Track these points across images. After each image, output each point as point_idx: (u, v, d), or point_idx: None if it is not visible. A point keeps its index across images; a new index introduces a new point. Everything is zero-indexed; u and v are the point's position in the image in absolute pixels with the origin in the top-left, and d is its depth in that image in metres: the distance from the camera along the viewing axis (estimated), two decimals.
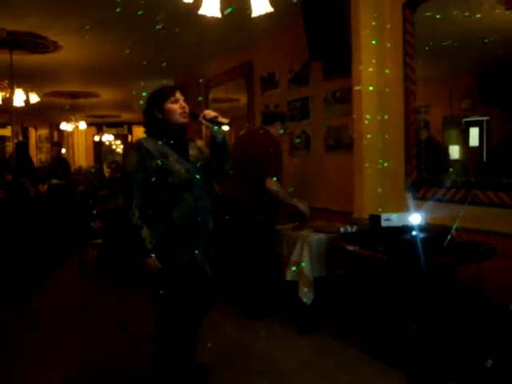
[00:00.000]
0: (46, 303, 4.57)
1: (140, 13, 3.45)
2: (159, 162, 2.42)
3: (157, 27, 3.99)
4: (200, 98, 6.93)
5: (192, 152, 2.58)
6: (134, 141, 15.43)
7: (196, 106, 6.43)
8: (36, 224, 5.60)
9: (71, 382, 2.97)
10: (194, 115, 2.52)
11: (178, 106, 2.49)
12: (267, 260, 3.98)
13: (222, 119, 2.48)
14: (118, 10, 3.28)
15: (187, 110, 2.52)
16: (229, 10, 2.54)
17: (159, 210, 2.44)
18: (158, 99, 2.51)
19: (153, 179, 2.41)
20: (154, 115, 2.51)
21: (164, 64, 5.86)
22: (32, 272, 5.16)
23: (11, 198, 5.47)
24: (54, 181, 5.50)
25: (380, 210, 3.44)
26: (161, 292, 2.45)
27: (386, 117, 3.64)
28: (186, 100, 2.57)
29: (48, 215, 6.18)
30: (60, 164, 9.10)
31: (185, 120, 2.51)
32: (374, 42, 3.61)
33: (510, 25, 2.92)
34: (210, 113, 2.49)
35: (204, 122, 2.48)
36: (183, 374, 2.65)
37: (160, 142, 2.49)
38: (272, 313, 3.98)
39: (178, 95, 2.51)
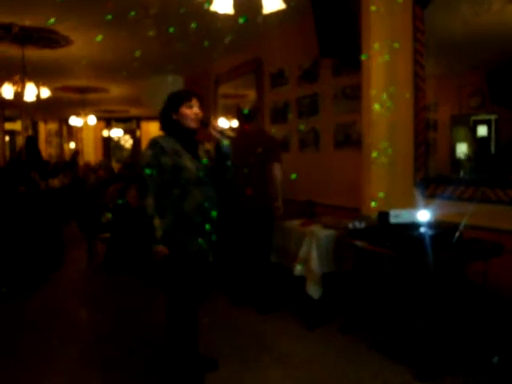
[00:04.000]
0: (54, 297, 4.60)
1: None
2: (172, 159, 2.61)
3: None
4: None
5: (200, 153, 2.79)
6: (142, 135, 15.56)
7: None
8: (46, 218, 5.65)
9: (76, 376, 2.99)
10: (204, 123, 2.75)
11: (191, 112, 2.70)
12: (266, 251, 4.05)
13: (228, 133, 2.76)
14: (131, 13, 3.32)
15: (200, 116, 2.73)
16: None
17: (171, 203, 2.61)
18: (175, 102, 2.72)
19: (166, 175, 2.59)
20: (170, 116, 2.72)
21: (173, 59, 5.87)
22: (40, 266, 5.21)
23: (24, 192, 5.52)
24: None
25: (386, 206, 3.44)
26: (167, 277, 2.66)
27: (394, 110, 3.63)
28: (202, 107, 2.77)
29: (58, 209, 6.22)
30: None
31: (195, 125, 2.72)
32: (384, 35, 3.60)
33: None
34: (218, 126, 2.76)
35: (213, 132, 2.73)
36: (193, 362, 2.75)
37: (174, 141, 2.68)
38: (279, 307, 4.01)
39: (194, 102, 2.72)
